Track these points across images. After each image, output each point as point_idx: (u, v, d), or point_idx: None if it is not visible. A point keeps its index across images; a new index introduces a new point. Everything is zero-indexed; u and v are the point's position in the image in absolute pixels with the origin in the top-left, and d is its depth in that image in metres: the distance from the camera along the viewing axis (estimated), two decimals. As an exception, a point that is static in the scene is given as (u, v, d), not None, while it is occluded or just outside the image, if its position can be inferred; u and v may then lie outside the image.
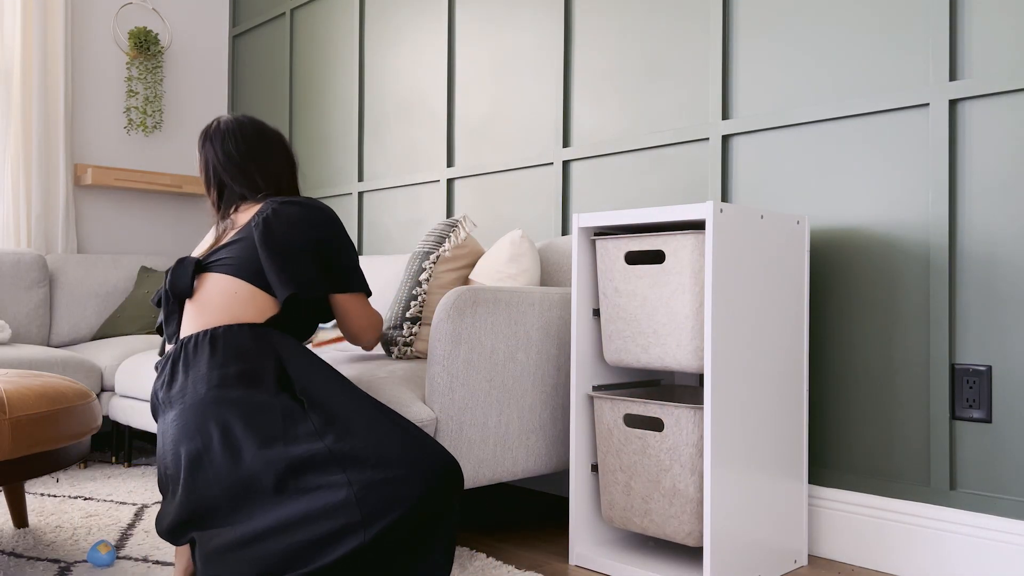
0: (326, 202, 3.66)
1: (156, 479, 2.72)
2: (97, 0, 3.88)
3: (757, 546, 1.80)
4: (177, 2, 4.12)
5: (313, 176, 3.74)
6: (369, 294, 1.86)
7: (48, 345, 3.44)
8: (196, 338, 1.66)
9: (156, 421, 1.69)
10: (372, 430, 1.48)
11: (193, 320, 1.72)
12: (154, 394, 1.69)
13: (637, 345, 1.83)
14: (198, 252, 1.86)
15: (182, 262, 1.77)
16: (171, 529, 1.53)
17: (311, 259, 1.72)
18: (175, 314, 1.77)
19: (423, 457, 1.45)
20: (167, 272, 1.78)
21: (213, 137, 1.88)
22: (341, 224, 1.81)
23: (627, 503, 1.87)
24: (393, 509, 1.39)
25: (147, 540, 2.01)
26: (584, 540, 1.96)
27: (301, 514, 1.40)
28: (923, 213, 1.90)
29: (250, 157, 1.86)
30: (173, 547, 1.96)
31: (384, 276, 2.85)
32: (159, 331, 1.86)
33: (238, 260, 1.74)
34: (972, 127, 1.83)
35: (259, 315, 1.71)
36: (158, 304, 1.85)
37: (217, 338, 1.64)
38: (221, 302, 1.70)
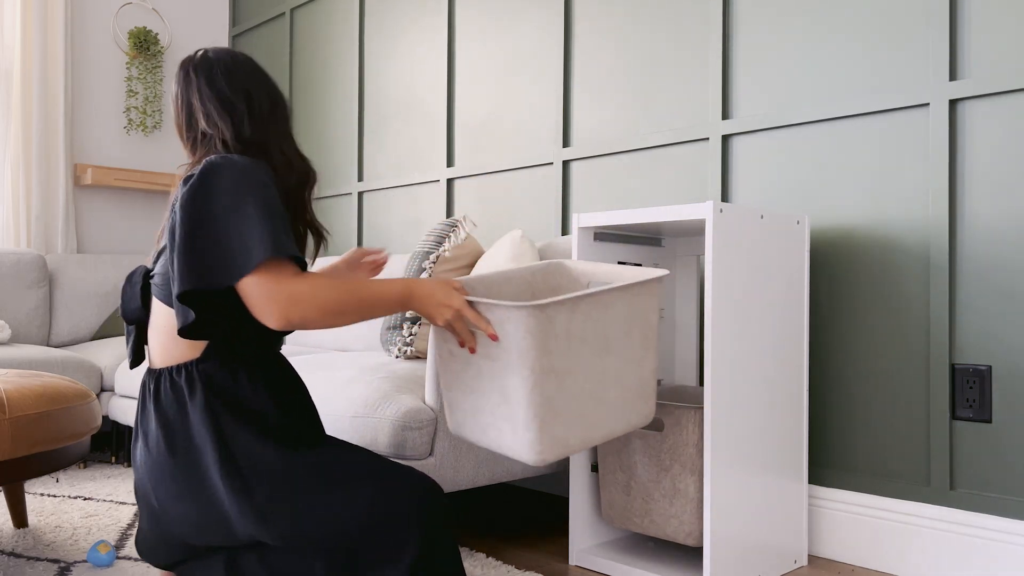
0: (326, 202, 3.67)
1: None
2: (97, 0, 3.88)
3: (757, 546, 1.80)
4: (177, 2, 4.12)
5: (313, 176, 3.74)
6: (290, 256, 1.22)
7: (48, 345, 3.44)
8: (143, 381, 1.38)
9: None
10: (336, 508, 1.26)
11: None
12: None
13: (477, 424, 1.46)
14: None
15: (131, 277, 1.44)
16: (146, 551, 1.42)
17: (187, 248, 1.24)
18: (132, 335, 1.46)
19: (397, 512, 1.25)
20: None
21: (199, 67, 1.41)
22: (245, 180, 1.26)
23: (627, 503, 1.87)
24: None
25: (147, 540, 2.01)
26: (584, 540, 1.96)
27: None
28: (923, 213, 1.90)
29: (240, 95, 1.40)
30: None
31: (384, 276, 2.85)
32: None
33: (161, 272, 1.35)
34: (972, 127, 1.83)
35: (192, 347, 1.32)
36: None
37: (147, 390, 1.36)
38: (154, 336, 1.38)
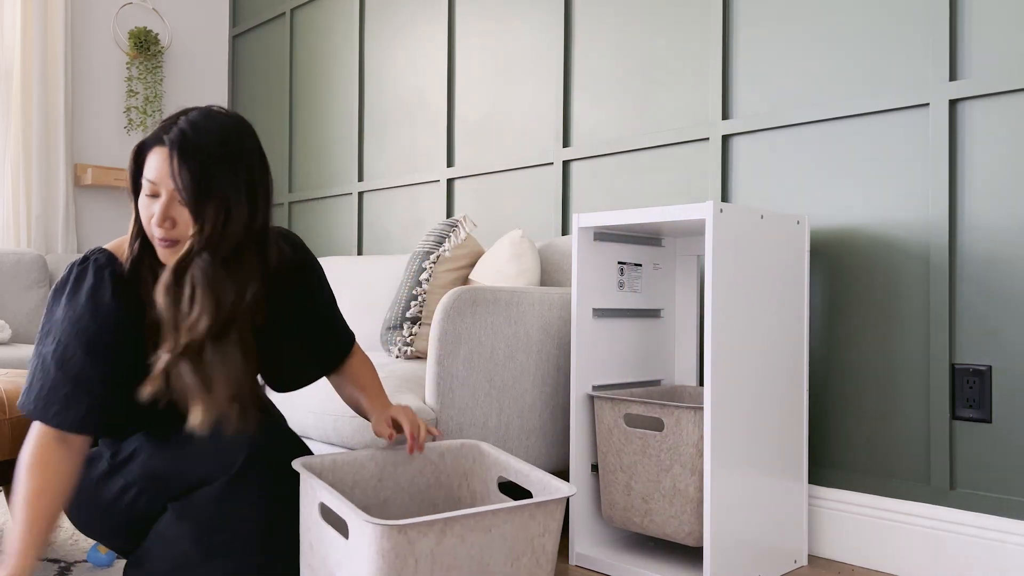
0: (327, 202, 3.67)
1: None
2: (97, 0, 3.88)
3: (757, 546, 1.80)
4: (177, 2, 4.12)
5: (313, 176, 3.74)
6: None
7: (48, 345, 3.44)
8: None
9: None
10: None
11: None
12: None
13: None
14: None
15: None
16: None
17: None
18: None
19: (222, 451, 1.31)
20: None
21: None
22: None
23: (627, 503, 1.87)
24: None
25: (147, 540, 2.01)
26: (584, 540, 1.96)
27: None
28: (923, 213, 1.90)
29: None
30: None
31: (384, 276, 2.85)
32: None
33: None
34: (972, 127, 1.83)
35: None
36: None
37: None
38: None
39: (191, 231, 1.25)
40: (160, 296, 1.25)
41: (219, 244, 1.25)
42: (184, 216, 1.26)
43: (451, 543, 1.15)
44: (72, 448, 1.30)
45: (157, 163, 1.26)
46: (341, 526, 1.30)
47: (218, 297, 1.24)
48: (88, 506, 1.42)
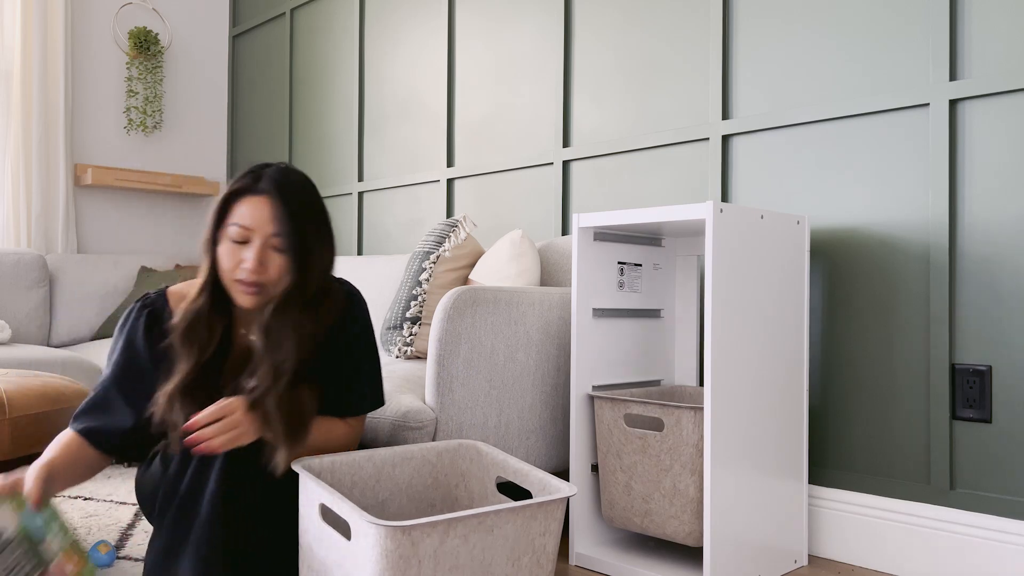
0: (327, 202, 3.66)
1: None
2: (97, 0, 3.88)
3: (757, 546, 1.80)
4: (177, 2, 4.12)
5: (313, 176, 3.74)
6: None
7: (48, 345, 3.44)
8: None
9: None
10: None
11: None
12: None
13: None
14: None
15: None
16: None
17: None
18: None
19: None
20: None
21: None
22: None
23: (627, 503, 1.87)
24: None
25: (147, 540, 2.01)
26: (584, 540, 1.96)
27: None
28: (923, 213, 1.90)
29: None
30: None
31: (384, 276, 2.85)
32: None
33: None
34: (972, 127, 1.83)
35: None
36: None
37: None
38: None
39: (281, 276, 1.35)
40: (258, 336, 1.34)
41: (305, 290, 1.36)
42: (276, 261, 1.36)
43: (454, 543, 1.16)
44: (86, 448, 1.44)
45: (251, 210, 1.35)
46: (342, 527, 1.30)
47: (299, 342, 1.35)
48: (139, 490, 1.52)
